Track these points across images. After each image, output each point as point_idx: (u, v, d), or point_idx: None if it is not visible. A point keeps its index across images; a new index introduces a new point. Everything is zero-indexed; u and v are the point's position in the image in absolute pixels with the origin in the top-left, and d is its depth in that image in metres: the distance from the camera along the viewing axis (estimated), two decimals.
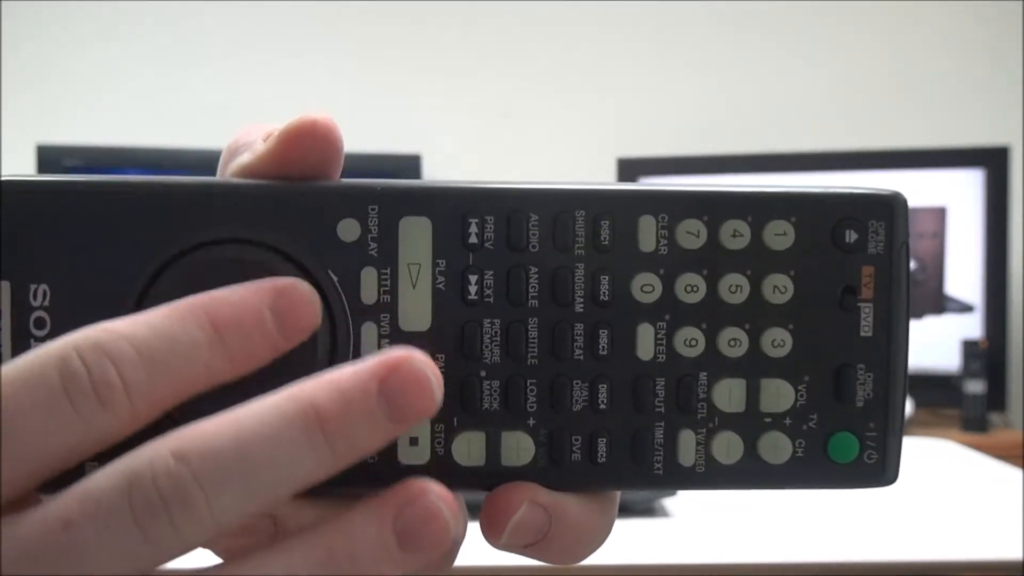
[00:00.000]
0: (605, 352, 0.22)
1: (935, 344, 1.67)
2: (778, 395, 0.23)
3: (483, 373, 0.22)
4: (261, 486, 0.17)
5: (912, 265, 1.73)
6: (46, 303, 0.21)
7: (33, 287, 0.21)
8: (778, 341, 0.23)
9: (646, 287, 0.22)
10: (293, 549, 0.18)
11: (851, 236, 0.23)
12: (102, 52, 1.88)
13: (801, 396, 0.23)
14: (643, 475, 0.22)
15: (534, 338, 0.22)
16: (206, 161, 1.70)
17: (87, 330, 0.18)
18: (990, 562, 0.77)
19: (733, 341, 0.23)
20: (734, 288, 0.22)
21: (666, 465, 0.22)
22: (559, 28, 1.91)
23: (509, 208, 0.22)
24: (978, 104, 1.86)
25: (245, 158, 0.22)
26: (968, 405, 1.58)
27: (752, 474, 0.23)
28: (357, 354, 0.21)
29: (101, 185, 0.21)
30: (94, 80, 1.87)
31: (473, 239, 0.22)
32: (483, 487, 0.22)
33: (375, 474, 0.21)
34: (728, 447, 0.22)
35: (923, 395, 1.61)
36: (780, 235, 0.22)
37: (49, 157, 1.62)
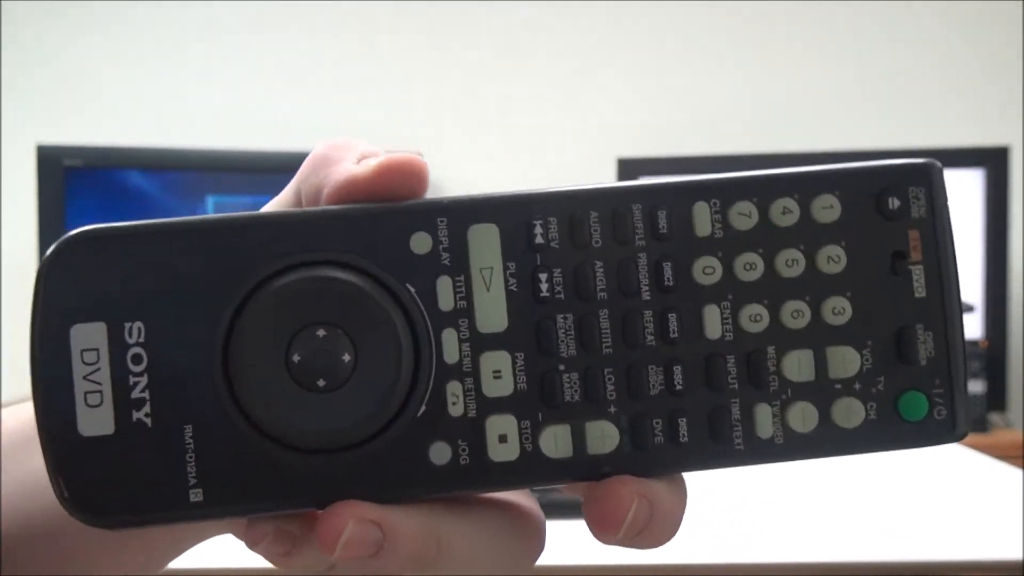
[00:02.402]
0: (675, 335, 0.23)
1: None
2: (844, 361, 0.23)
3: (562, 367, 0.23)
4: None
5: None
6: (141, 339, 0.22)
7: (128, 325, 0.22)
8: (838, 309, 0.23)
9: (707, 269, 0.23)
10: None
11: (894, 203, 0.24)
12: (102, 52, 1.88)
13: (866, 360, 0.23)
14: (725, 452, 0.23)
15: (606, 329, 0.23)
16: (206, 161, 1.70)
17: None
18: (990, 562, 0.77)
19: (796, 313, 0.23)
20: (790, 262, 0.23)
21: (746, 440, 0.23)
22: (559, 28, 1.91)
23: (570, 208, 0.23)
24: (978, 104, 1.86)
25: (340, 177, 0.23)
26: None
27: (829, 441, 0.23)
28: (440, 360, 0.22)
29: (182, 225, 0.23)
30: (94, 80, 1.87)
31: (539, 239, 0.23)
32: (574, 478, 0.23)
33: (468, 474, 0.22)
34: (804, 416, 0.23)
35: None
36: (827, 208, 0.23)
37: (49, 157, 1.62)
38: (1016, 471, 1.04)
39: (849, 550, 0.80)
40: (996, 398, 1.62)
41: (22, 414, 0.29)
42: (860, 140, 1.81)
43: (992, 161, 1.66)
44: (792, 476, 1.10)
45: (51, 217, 1.62)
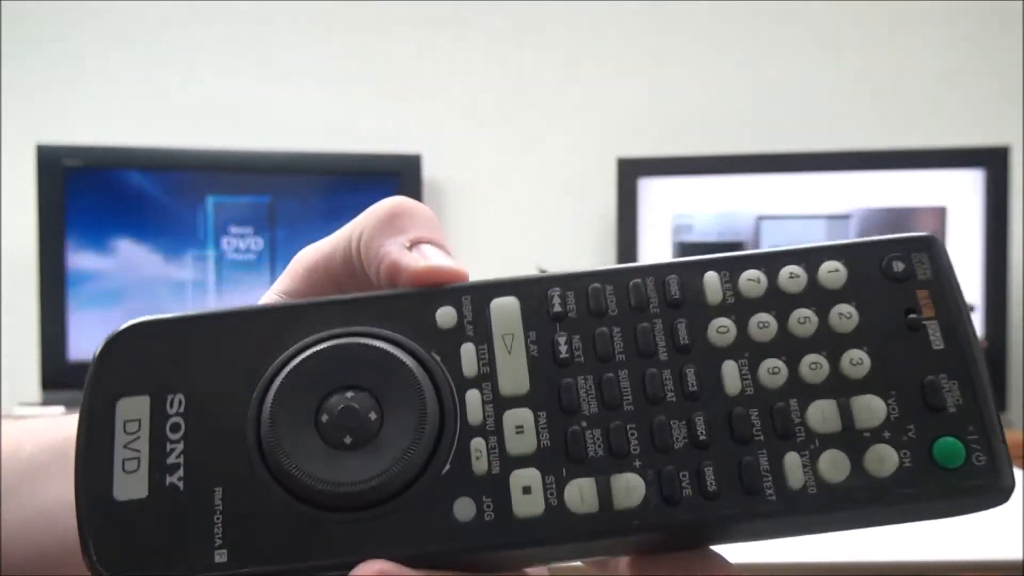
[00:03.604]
0: (695, 389, 0.23)
1: None
2: (871, 410, 0.23)
3: (584, 424, 0.23)
4: None
5: None
6: (181, 409, 0.23)
7: (170, 397, 0.23)
8: (856, 359, 0.23)
9: (721, 328, 0.24)
10: None
11: (899, 266, 0.24)
12: (103, 52, 1.88)
13: (893, 409, 0.23)
14: (756, 504, 0.23)
15: (627, 387, 0.24)
16: (206, 161, 1.70)
17: None
18: (990, 562, 0.77)
19: (814, 365, 0.24)
20: (803, 319, 0.24)
21: (777, 490, 0.23)
22: (559, 28, 1.91)
23: (586, 283, 0.25)
24: (978, 104, 1.86)
25: (388, 263, 0.25)
26: None
27: (866, 491, 0.23)
28: (464, 419, 0.23)
29: (229, 313, 0.24)
30: (94, 80, 1.87)
31: (558, 308, 0.24)
32: (603, 535, 0.23)
33: (494, 530, 0.22)
34: (835, 464, 0.23)
35: None
36: (833, 272, 0.24)
37: (49, 157, 1.62)
38: (1016, 471, 1.04)
39: (849, 550, 0.80)
40: (996, 398, 1.62)
41: (46, 435, 0.30)
42: (860, 140, 1.81)
43: (992, 161, 1.66)
44: None
45: (51, 217, 1.62)
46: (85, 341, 1.62)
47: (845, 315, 0.24)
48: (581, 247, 1.85)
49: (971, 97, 1.87)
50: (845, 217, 1.73)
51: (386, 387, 0.23)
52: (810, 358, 0.23)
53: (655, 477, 0.23)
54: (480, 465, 0.22)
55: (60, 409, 1.57)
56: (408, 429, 0.22)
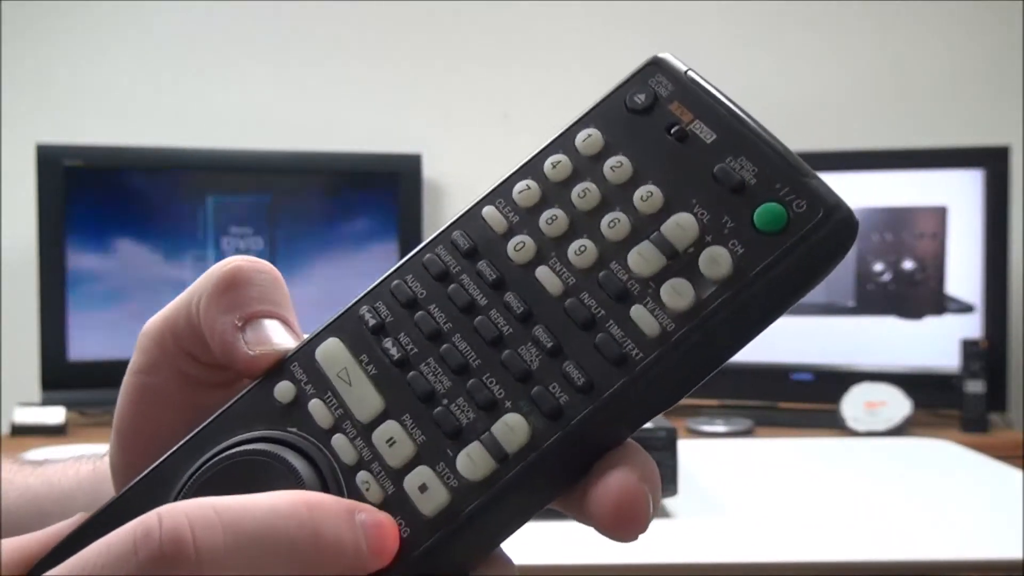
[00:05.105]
0: (523, 309, 0.24)
1: (935, 344, 1.67)
2: (682, 228, 0.23)
3: (445, 401, 0.23)
4: None
5: (911, 265, 1.73)
6: None
7: None
8: (645, 195, 0.24)
9: (518, 246, 0.24)
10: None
11: (641, 98, 0.25)
12: (102, 52, 1.88)
13: (702, 215, 0.23)
14: (630, 369, 0.22)
15: (466, 347, 0.24)
16: (206, 161, 1.70)
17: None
18: (990, 562, 0.77)
19: (612, 222, 0.24)
20: (583, 193, 0.24)
21: (641, 346, 0.22)
22: (559, 28, 1.91)
23: (387, 285, 0.25)
24: (978, 104, 1.86)
25: (224, 342, 0.25)
26: (968, 405, 1.58)
27: (720, 299, 0.22)
28: (341, 465, 0.23)
29: (99, 514, 0.24)
30: (94, 80, 1.87)
31: (374, 322, 0.25)
32: (519, 488, 0.22)
33: (418, 543, 0.22)
34: (676, 292, 0.22)
35: (923, 395, 1.61)
36: (588, 139, 0.25)
37: (49, 157, 1.62)
38: (1016, 471, 1.04)
39: (849, 550, 0.80)
40: (996, 398, 1.62)
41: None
42: (860, 140, 1.81)
43: (992, 161, 1.66)
44: (793, 476, 1.10)
45: (51, 217, 1.62)
46: (85, 341, 1.62)
47: (617, 166, 0.24)
48: None
49: (971, 97, 1.87)
50: None
51: (263, 486, 0.22)
52: (607, 219, 0.24)
53: (530, 404, 0.23)
54: (374, 493, 0.23)
55: (61, 409, 1.57)
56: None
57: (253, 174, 1.74)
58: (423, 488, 0.22)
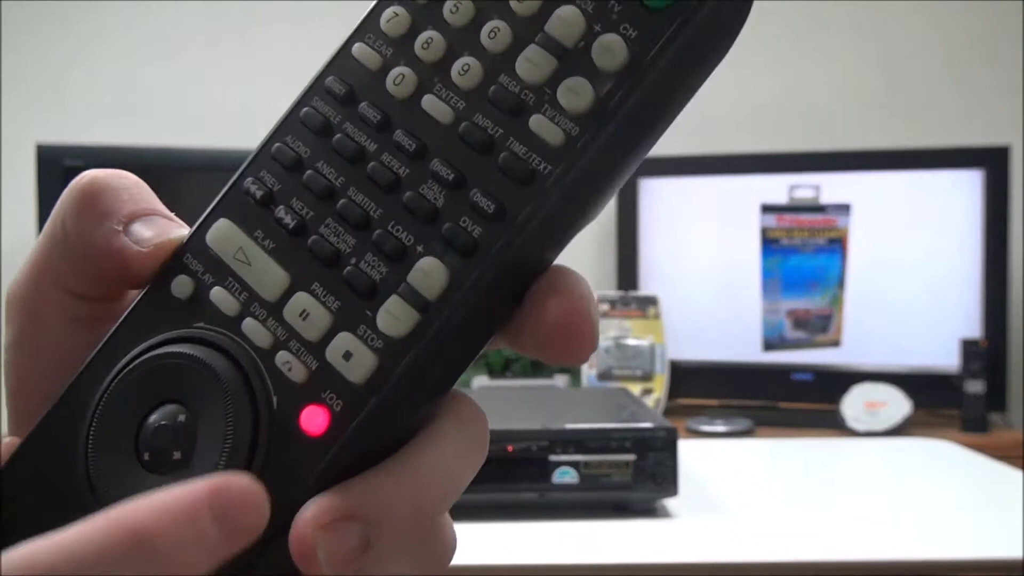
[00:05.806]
0: (416, 145, 0.22)
1: (935, 344, 1.67)
2: (567, 23, 0.21)
3: (353, 260, 0.22)
4: None
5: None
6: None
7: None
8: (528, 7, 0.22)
9: (396, 79, 0.22)
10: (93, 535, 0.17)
11: None
12: (102, 52, 1.88)
13: (585, 5, 0.21)
14: (540, 186, 0.21)
15: (364, 199, 0.22)
16: (206, 161, 1.70)
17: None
18: (990, 562, 0.77)
19: (492, 32, 0.22)
20: (454, 9, 0.22)
21: (548, 158, 0.21)
22: None
23: (268, 152, 0.24)
24: (978, 104, 1.86)
25: (111, 252, 0.23)
26: (968, 405, 1.58)
27: (622, 87, 0.21)
28: (258, 350, 0.22)
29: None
30: (94, 80, 1.87)
31: (260, 193, 0.23)
32: (453, 332, 0.21)
33: (355, 413, 0.21)
34: (574, 91, 0.21)
35: (923, 395, 1.61)
36: None
37: (49, 157, 1.62)
38: (1016, 471, 1.04)
39: (849, 550, 0.80)
40: (996, 398, 1.62)
41: None
42: (859, 140, 1.81)
43: (992, 161, 1.66)
44: (793, 476, 1.10)
45: None
46: None
47: None
48: (581, 247, 1.85)
49: (971, 97, 1.87)
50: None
51: (187, 389, 0.21)
52: (486, 30, 0.22)
53: (442, 245, 0.21)
54: (297, 372, 0.21)
55: None
56: (216, 402, 0.21)
57: None
58: (347, 356, 0.21)
